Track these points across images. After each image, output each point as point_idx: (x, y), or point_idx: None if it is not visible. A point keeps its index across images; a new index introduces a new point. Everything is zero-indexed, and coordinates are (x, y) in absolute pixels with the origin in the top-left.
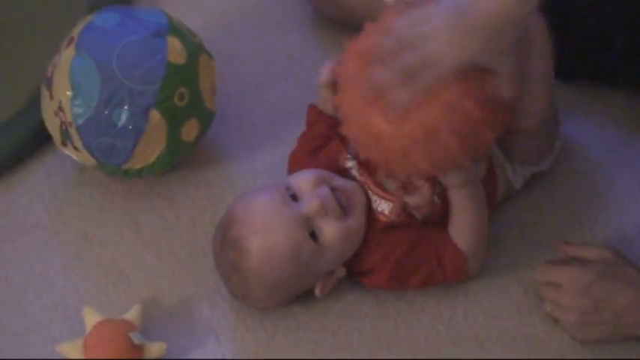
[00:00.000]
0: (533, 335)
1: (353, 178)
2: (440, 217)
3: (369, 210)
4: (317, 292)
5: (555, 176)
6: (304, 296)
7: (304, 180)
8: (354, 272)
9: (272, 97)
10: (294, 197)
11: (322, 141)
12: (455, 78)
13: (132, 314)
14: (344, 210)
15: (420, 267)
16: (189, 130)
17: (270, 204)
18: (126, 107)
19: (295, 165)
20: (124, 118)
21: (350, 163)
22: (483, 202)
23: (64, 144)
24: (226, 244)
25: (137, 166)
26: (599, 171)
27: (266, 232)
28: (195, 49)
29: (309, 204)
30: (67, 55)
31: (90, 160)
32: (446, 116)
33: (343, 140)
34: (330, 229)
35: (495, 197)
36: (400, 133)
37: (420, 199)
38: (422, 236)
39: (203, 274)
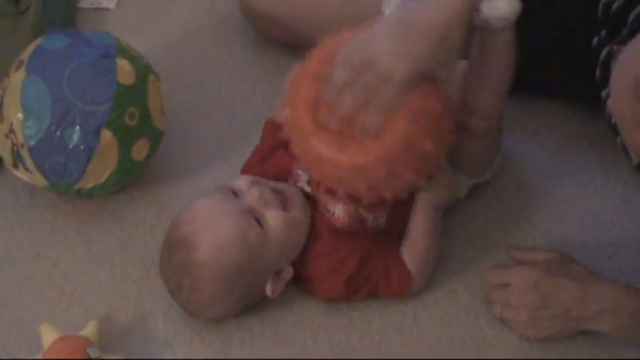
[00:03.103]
0: (481, 338)
1: (306, 184)
2: (392, 227)
3: (318, 215)
4: (268, 291)
5: (497, 186)
6: (257, 308)
7: (242, 181)
8: (305, 279)
9: (218, 117)
10: (235, 194)
11: (272, 151)
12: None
13: (89, 330)
14: (283, 205)
15: (370, 280)
16: (140, 150)
17: (212, 201)
18: (77, 127)
19: (245, 173)
20: (75, 138)
21: (301, 172)
22: (440, 228)
23: (15, 166)
24: (174, 247)
25: (89, 186)
26: (539, 180)
27: (211, 223)
28: (143, 69)
29: (250, 194)
30: (16, 77)
31: (42, 182)
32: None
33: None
34: (272, 216)
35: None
36: (338, 160)
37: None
38: (374, 248)
39: (157, 290)
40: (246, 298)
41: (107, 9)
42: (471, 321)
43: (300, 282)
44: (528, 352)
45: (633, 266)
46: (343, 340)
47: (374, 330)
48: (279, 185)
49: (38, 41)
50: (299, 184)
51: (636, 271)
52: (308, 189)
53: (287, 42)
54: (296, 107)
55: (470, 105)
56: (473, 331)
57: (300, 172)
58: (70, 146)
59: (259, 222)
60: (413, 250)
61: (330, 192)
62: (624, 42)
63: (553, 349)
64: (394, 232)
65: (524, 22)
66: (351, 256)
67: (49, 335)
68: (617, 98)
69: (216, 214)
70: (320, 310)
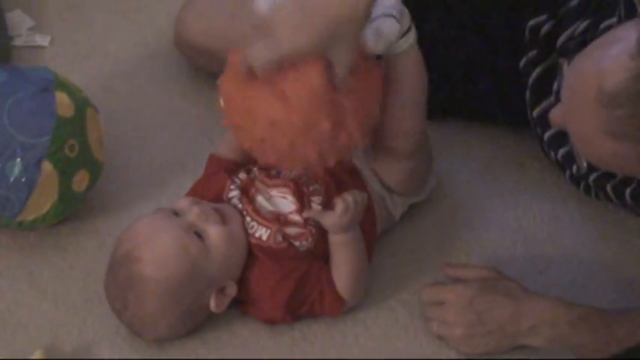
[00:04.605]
0: (421, 353)
1: (234, 207)
2: (324, 250)
3: (249, 237)
4: (212, 306)
5: (430, 206)
6: (201, 332)
7: (183, 201)
8: (246, 302)
9: (155, 148)
10: (176, 214)
11: (210, 177)
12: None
13: (35, 357)
14: (222, 220)
15: (306, 301)
16: (80, 181)
17: (154, 218)
18: (18, 160)
19: None
20: (16, 170)
21: (233, 193)
22: (362, 248)
23: None
24: (117, 262)
25: (30, 218)
26: (471, 200)
27: (153, 238)
28: (81, 102)
29: (190, 212)
30: None
31: None
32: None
33: (230, 173)
34: (212, 230)
35: (375, 231)
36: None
37: (295, 230)
38: (310, 270)
39: (101, 318)
40: (190, 315)
41: (41, 47)
42: (410, 338)
43: (243, 304)
44: None
45: (564, 280)
46: None
47: (316, 350)
48: (218, 205)
49: None
50: (232, 202)
51: (567, 284)
52: (239, 205)
53: (220, 73)
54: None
55: (391, 127)
56: (412, 347)
57: (232, 195)
58: (12, 179)
59: (200, 236)
60: (339, 275)
61: (256, 212)
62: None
63: None
64: (326, 254)
65: (449, 46)
66: (288, 278)
67: None
68: (575, 110)
69: (158, 229)
70: (262, 332)
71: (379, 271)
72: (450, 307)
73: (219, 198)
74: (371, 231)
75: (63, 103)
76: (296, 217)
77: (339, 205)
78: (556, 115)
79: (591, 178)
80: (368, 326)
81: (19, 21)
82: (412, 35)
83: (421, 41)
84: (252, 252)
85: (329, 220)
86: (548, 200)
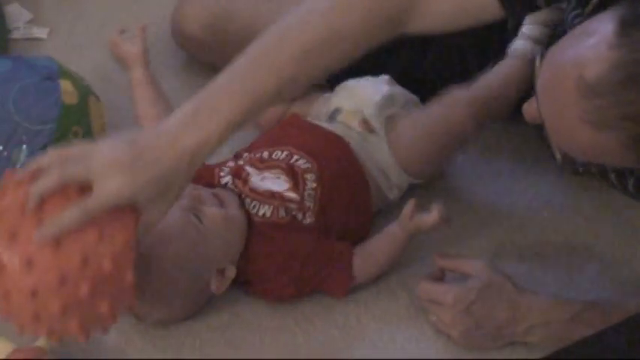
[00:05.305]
0: (422, 334)
1: (231, 190)
2: (327, 225)
3: (249, 216)
4: (212, 287)
5: (427, 191)
6: (204, 315)
7: None
8: (251, 281)
9: None
10: None
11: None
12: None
13: (42, 341)
14: (220, 204)
15: (315, 277)
16: None
17: None
18: (24, 146)
19: None
20: (22, 156)
21: (225, 179)
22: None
23: None
24: None
25: None
26: (467, 185)
27: None
28: (84, 90)
29: (188, 196)
30: None
31: None
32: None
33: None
34: (210, 212)
35: (371, 208)
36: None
37: (292, 207)
38: (318, 246)
39: None
40: (191, 297)
41: (39, 39)
42: (411, 319)
43: (247, 285)
44: (466, 351)
45: (560, 266)
46: (289, 341)
47: (318, 330)
48: (216, 190)
49: None
50: (228, 186)
51: (563, 270)
52: (236, 190)
53: (217, 65)
54: None
55: None
56: (413, 329)
57: (225, 180)
58: (18, 165)
59: (199, 218)
60: (370, 261)
61: (254, 191)
62: None
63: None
64: (329, 229)
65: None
66: (296, 253)
67: (3, 348)
68: (553, 101)
69: None
70: (265, 313)
71: None
72: (448, 310)
73: (210, 186)
74: (367, 208)
75: (67, 90)
76: (291, 194)
77: (438, 211)
78: (530, 109)
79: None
80: (369, 307)
81: (17, 14)
82: None
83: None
84: (258, 231)
85: (429, 222)
86: (543, 186)
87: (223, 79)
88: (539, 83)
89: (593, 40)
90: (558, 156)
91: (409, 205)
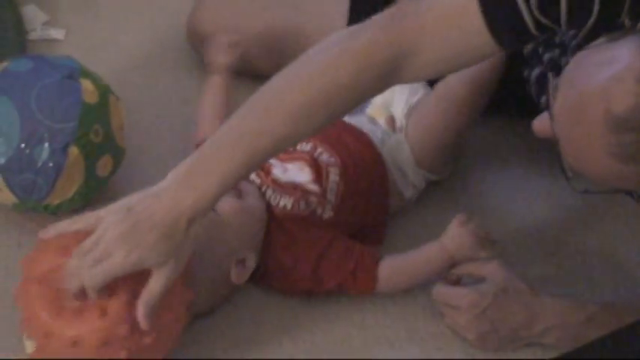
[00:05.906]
0: (439, 333)
1: (252, 182)
2: (348, 224)
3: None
4: (232, 277)
5: (442, 190)
6: (222, 312)
7: None
8: (272, 274)
9: (169, 136)
10: None
11: None
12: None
13: None
14: (237, 195)
15: (337, 273)
16: (104, 166)
17: None
18: (46, 144)
19: None
20: (44, 155)
21: None
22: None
23: None
24: None
25: (56, 202)
26: (481, 184)
27: None
28: (104, 89)
29: None
30: None
31: (10, 199)
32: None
33: None
34: (225, 202)
35: (387, 208)
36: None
37: (313, 199)
38: (337, 242)
39: None
40: (212, 286)
41: (56, 40)
42: (428, 317)
43: (268, 278)
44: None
45: (574, 265)
46: (307, 339)
47: (336, 329)
48: None
49: (3, 65)
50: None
51: (577, 269)
52: (257, 181)
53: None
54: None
55: None
56: (430, 327)
57: None
58: (40, 163)
59: (214, 209)
60: (395, 276)
61: (275, 182)
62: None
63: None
64: (346, 225)
65: None
66: (316, 245)
67: None
68: (575, 129)
69: None
70: (283, 311)
71: (394, 252)
72: (463, 314)
73: None
74: (384, 207)
75: (88, 89)
76: (313, 187)
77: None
78: (541, 127)
79: None
80: (386, 305)
81: (34, 16)
82: None
83: None
84: (277, 223)
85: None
86: (558, 188)
87: (213, 144)
88: (558, 106)
89: (619, 72)
90: (570, 174)
91: (455, 221)
